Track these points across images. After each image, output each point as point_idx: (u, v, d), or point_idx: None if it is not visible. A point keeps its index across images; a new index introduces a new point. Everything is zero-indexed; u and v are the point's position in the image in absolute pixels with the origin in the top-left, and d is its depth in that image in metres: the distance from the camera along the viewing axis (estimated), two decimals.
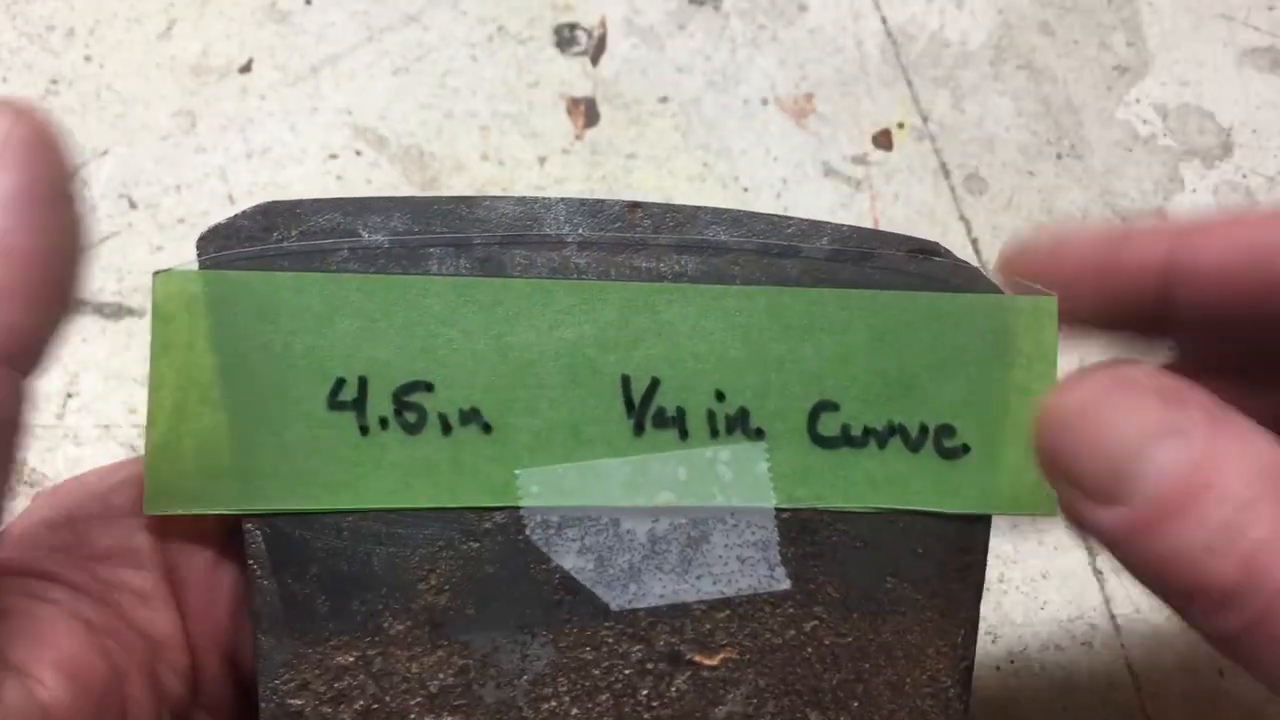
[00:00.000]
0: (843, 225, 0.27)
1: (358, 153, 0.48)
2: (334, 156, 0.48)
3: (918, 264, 0.27)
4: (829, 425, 0.27)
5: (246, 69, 0.49)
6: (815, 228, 0.27)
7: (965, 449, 0.27)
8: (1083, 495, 0.23)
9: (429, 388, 0.26)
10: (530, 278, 0.26)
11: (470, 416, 0.26)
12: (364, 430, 0.26)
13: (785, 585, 0.27)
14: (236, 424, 0.25)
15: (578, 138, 0.49)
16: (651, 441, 0.26)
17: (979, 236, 0.49)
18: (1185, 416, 0.22)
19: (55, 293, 0.22)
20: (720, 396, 0.26)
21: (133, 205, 0.47)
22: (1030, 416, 0.26)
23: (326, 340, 0.26)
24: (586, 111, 0.50)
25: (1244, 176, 0.50)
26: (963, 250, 0.48)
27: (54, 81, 0.49)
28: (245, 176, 0.48)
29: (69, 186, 0.22)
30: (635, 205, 0.27)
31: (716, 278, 0.27)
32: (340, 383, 0.26)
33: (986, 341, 0.27)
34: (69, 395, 0.44)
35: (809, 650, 0.27)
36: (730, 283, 0.26)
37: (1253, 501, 0.21)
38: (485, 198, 0.26)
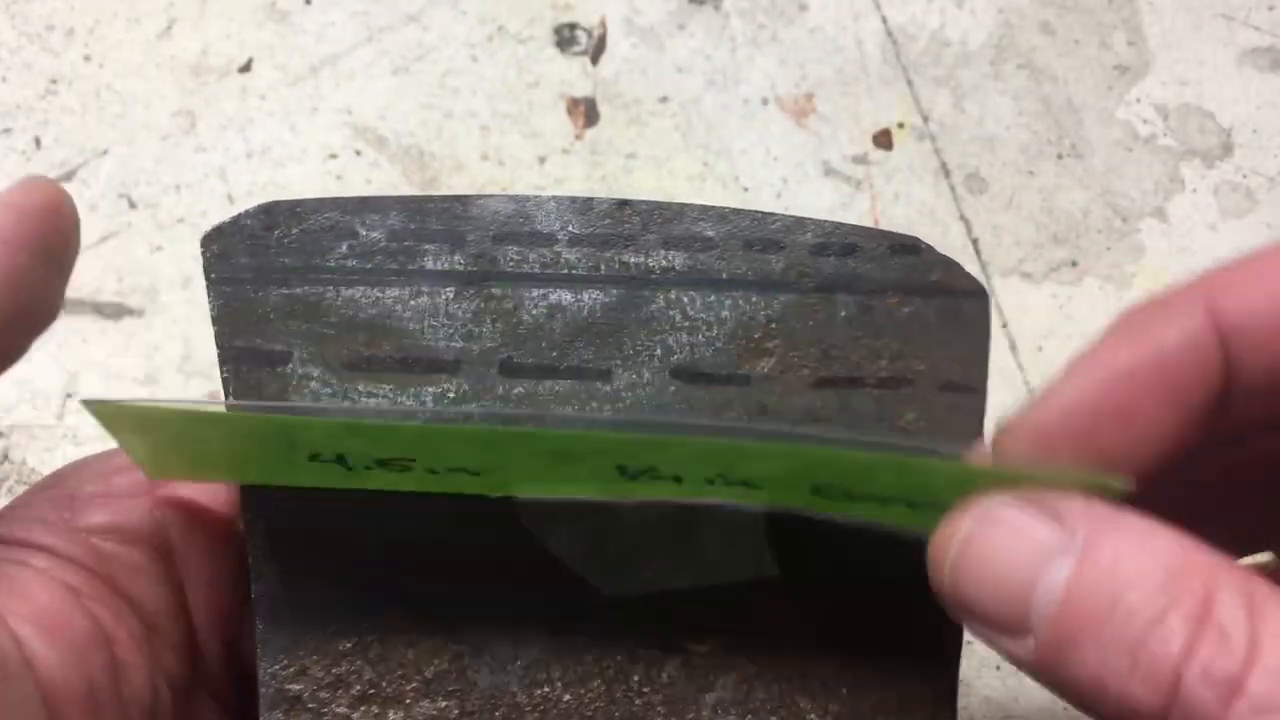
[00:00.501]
0: (826, 222, 0.28)
1: (358, 153, 0.48)
2: (334, 156, 0.48)
3: (899, 259, 0.28)
4: (829, 491, 0.25)
5: (246, 69, 0.49)
6: (799, 224, 0.28)
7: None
8: (991, 630, 0.22)
9: (411, 460, 0.25)
10: (522, 273, 0.27)
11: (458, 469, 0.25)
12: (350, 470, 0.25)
13: (775, 572, 0.27)
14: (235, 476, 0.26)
15: (578, 138, 0.49)
16: (644, 487, 0.25)
17: (979, 236, 0.49)
18: (1069, 531, 0.21)
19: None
20: (721, 477, 0.25)
21: (132, 205, 0.47)
22: None
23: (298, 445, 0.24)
24: (586, 111, 0.50)
25: (1244, 176, 0.50)
26: (963, 250, 0.48)
27: (54, 81, 0.49)
28: (245, 176, 0.48)
29: (58, 252, 0.25)
30: (624, 203, 0.28)
31: (703, 272, 0.27)
32: (315, 454, 0.24)
33: None
34: (68, 395, 0.44)
35: (798, 637, 0.27)
36: (716, 277, 0.27)
37: (1162, 614, 0.20)
38: (479, 196, 0.27)
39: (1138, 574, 0.20)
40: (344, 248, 0.27)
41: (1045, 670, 0.21)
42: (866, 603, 0.27)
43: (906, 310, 0.28)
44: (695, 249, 0.27)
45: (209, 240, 0.27)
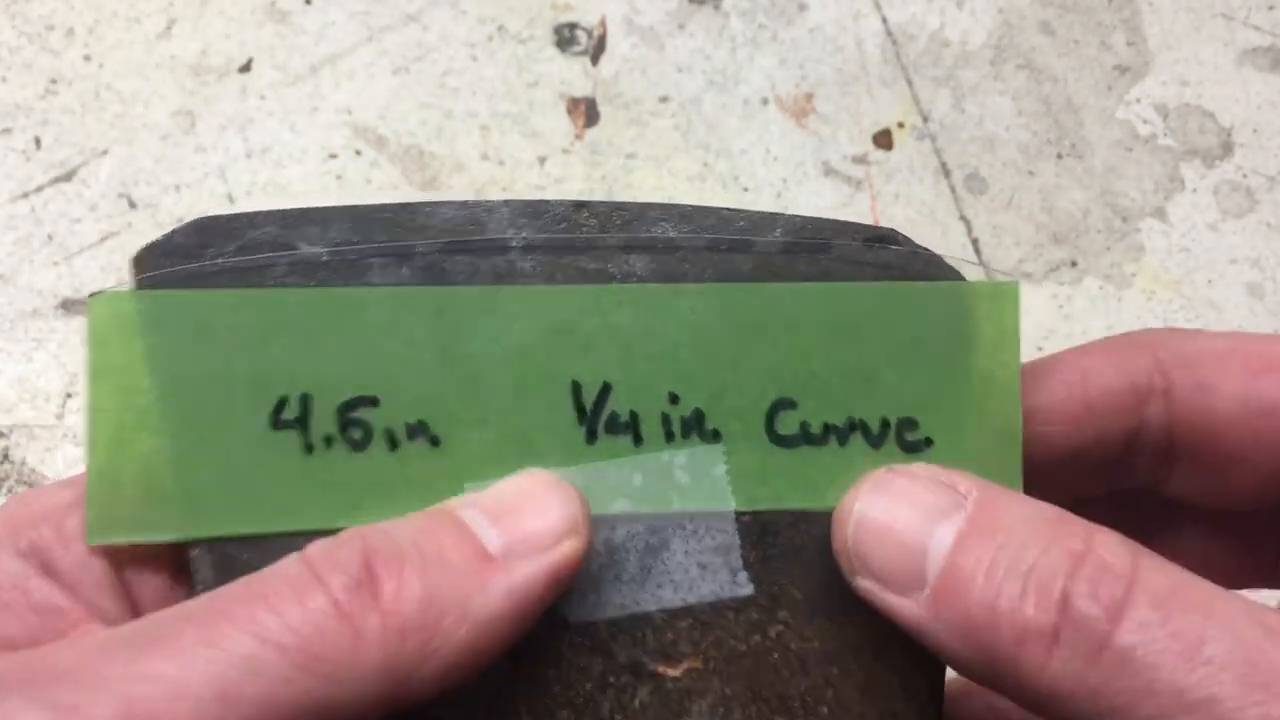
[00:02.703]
0: (796, 216, 0.27)
1: (358, 153, 0.48)
2: (334, 156, 0.48)
3: (875, 253, 0.26)
4: (788, 424, 0.26)
5: (246, 69, 0.49)
6: (768, 220, 0.26)
7: (928, 442, 0.26)
8: (886, 588, 0.24)
9: (374, 403, 0.25)
10: (474, 284, 0.25)
11: (417, 430, 0.25)
12: (309, 449, 0.25)
13: (748, 590, 0.26)
14: (178, 449, 0.25)
15: (578, 137, 0.49)
16: (605, 448, 0.25)
17: (979, 236, 0.49)
18: (958, 493, 0.23)
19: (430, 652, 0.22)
20: (674, 399, 0.26)
21: (132, 205, 0.47)
22: (994, 404, 0.26)
23: (266, 358, 0.25)
24: (586, 111, 0.50)
25: (1244, 176, 0.50)
26: (963, 250, 0.48)
27: (53, 81, 0.49)
28: (245, 176, 0.48)
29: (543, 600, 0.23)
30: (581, 204, 0.26)
31: (666, 276, 0.26)
32: (282, 401, 0.25)
33: (947, 329, 0.26)
34: (68, 395, 0.44)
35: (775, 656, 0.26)
36: (681, 281, 0.26)
37: (1048, 546, 0.22)
38: (426, 204, 0.26)
39: (1025, 521, 0.22)
40: (284, 264, 0.25)
41: (939, 616, 0.23)
42: (845, 619, 0.26)
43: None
44: (658, 251, 0.26)
45: (140, 262, 0.25)
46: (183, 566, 0.26)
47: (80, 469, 0.30)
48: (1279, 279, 0.48)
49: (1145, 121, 0.51)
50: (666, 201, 0.27)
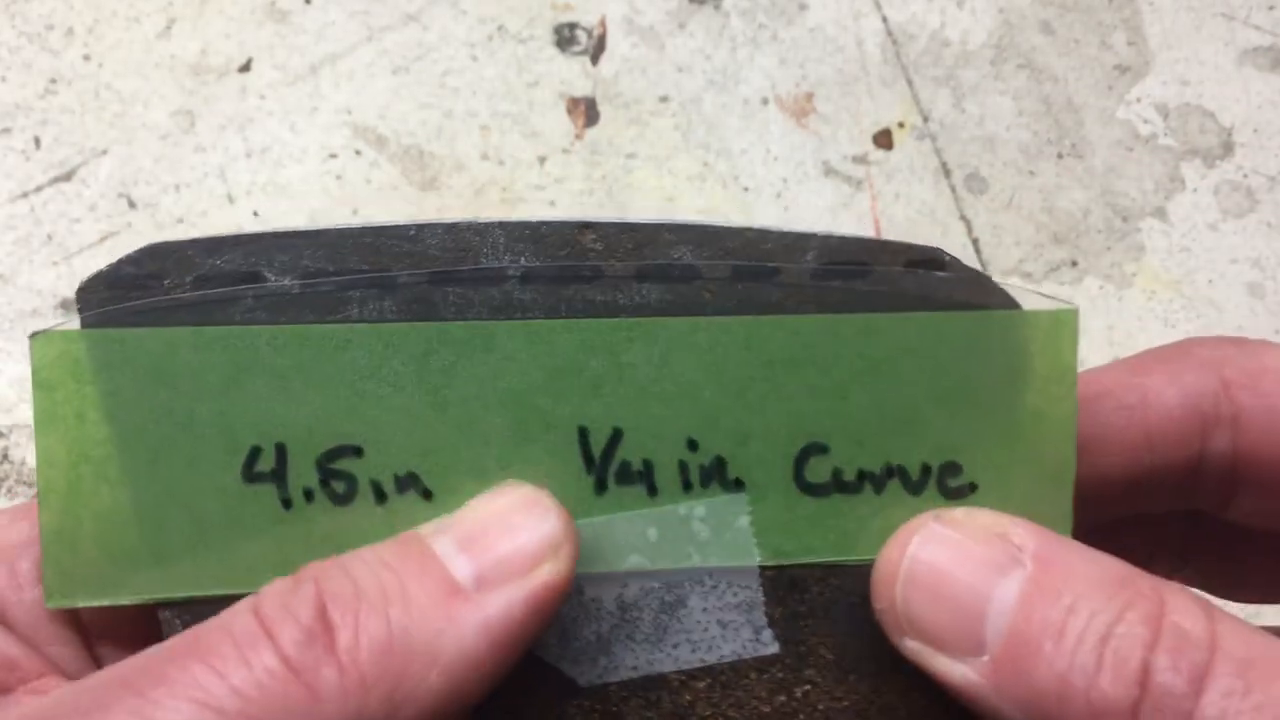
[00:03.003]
0: (832, 236, 0.24)
1: (358, 153, 0.48)
2: (334, 156, 0.48)
3: (918, 278, 0.24)
4: (818, 471, 0.24)
5: (246, 68, 0.49)
6: (799, 241, 0.24)
7: (972, 487, 0.24)
8: (938, 651, 0.22)
9: (358, 452, 0.23)
10: (467, 319, 0.23)
11: (407, 483, 0.23)
12: (286, 504, 0.23)
13: (773, 649, 0.24)
14: (141, 503, 0.23)
15: (578, 137, 0.49)
16: (616, 500, 0.23)
17: (979, 236, 0.49)
18: (1013, 544, 0.21)
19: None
20: (693, 446, 0.24)
21: (132, 205, 0.47)
22: (1046, 445, 0.24)
23: (236, 404, 0.23)
24: (586, 111, 0.50)
25: (1245, 176, 0.50)
26: (963, 250, 0.48)
27: (53, 81, 0.49)
28: (245, 176, 0.48)
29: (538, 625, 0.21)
30: (586, 226, 0.24)
31: (683, 308, 0.23)
32: (256, 451, 0.23)
33: (997, 364, 0.24)
34: None
35: (801, 717, 0.24)
36: (700, 313, 0.23)
37: (1122, 611, 0.20)
38: (411, 226, 0.23)
39: (1092, 580, 0.20)
40: (250, 299, 0.23)
41: (1002, 686, 0.21)
42: (878, 677, 0.24)
43: None
44: (674, 279, 0.23)
45: (86, 293, 0.23)
46: (148, 620, 0.24)
47: None
48: (1279, 279, 0.48)
49: (1146, 121, 0.51)
50: (679, 216, 0.25)
